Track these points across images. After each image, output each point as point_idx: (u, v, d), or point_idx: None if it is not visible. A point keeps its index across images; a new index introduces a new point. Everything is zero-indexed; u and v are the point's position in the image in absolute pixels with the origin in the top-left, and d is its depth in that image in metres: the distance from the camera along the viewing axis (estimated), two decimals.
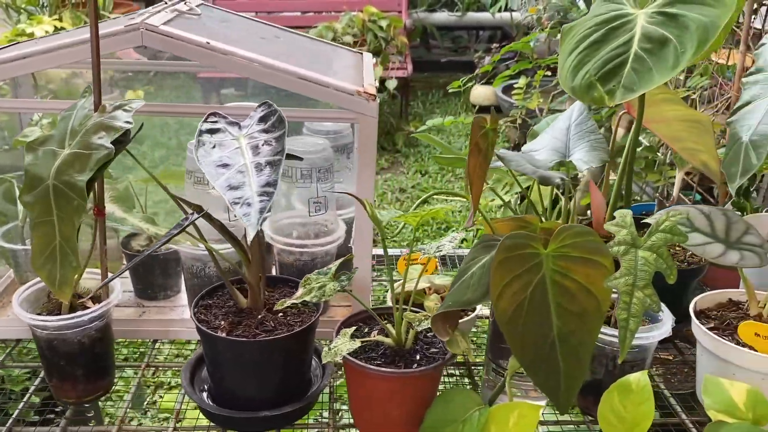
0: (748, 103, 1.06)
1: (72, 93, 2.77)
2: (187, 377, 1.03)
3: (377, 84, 4.88)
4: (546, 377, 0.91)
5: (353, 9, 4.98)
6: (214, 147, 0.80)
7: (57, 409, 1.10)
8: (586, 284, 0.91)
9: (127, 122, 0.85)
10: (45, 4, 5.11)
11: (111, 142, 0.83)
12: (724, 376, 0.99)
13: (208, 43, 1.00)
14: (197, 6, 1.21)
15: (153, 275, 1.27)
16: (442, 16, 6.10)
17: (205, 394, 1.01)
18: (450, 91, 2.57)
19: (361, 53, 1.32)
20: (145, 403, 1.87)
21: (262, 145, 0.81)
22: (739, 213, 1.39)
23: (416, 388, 0.95)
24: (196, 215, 0.87)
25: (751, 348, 0.97)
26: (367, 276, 1.16)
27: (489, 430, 0.89)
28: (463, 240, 3.01)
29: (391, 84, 4.69)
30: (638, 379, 0.91)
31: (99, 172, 0.84)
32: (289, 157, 1.10)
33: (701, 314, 1.08)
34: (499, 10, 5.44)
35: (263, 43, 1.19)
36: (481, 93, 5.12)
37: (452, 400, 0.92)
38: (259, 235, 0.99)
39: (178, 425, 1.02)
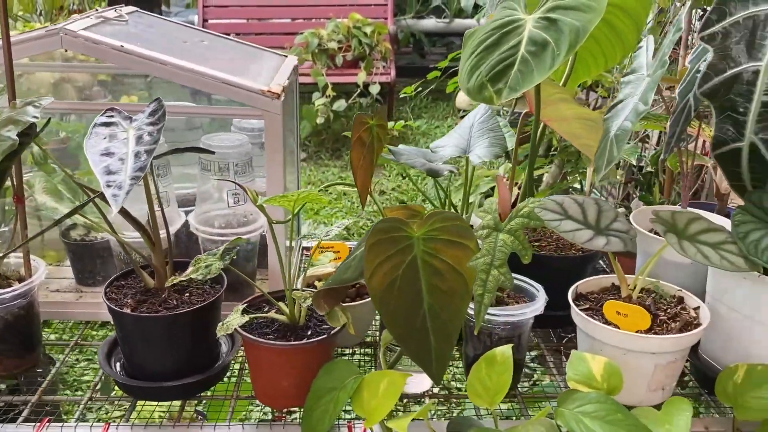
0: (620, 102, 1.15)
1: (62, 96, 2.88)
2: (104, 352, 1.12)
3: (362, 88, 4.95)
4: (417, 349, 1.00)
5: (339, 16, 5.09)
6: (105, 138, 0.89)
7: None
8: (454, 264, 1.00)
9: (35, 117, 0.95)
10: (41, 12, 5.25)
11: (18, 135, 0.92)
12: (593, 352, 1.08)
13: (122, 46, 1.10)
14: (128, 13, 1.31)
15: (90, 263, 1.37)
16: (430, 23, 6.21)
17: (119, 368, 1.11)
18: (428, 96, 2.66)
19: (286, 56, 1.42)
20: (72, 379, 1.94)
21: (146, 135, 0.90)
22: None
23: (303, 360, 1.04)
24: (90, 198, 0.97)
25: (615, 326, 1.06)
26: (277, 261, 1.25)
27: (362, 394, 0.98)
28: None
29: (374, 89, 4.79)
30: (503, 351, 1.00)
31: (8, 162, 0.94)
32: (201, 150, 1.20)
33: (582, 297, 1.16)
34: (483, 17, 5.52)
35: (185, 47, 1.29)
36: (465, 98, 5.21)
37: (333, 370, 1.01)
38: (165, 222, 1.09)
39: (94, 396, 1.12)
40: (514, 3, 1.26)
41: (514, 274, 1.19)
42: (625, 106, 1.12)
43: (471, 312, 1.08)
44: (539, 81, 1.12)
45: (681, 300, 1.14)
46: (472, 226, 1.08)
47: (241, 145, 1.27)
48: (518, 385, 1.18)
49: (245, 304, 1.07)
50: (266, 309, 1.11)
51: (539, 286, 1.14)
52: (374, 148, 1.06)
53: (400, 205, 1.12)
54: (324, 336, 1.03)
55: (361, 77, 4.81)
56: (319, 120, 4.72)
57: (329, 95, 4.72)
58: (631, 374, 1.05)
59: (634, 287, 1.12)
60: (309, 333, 1.06)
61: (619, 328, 1.05)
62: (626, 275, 1.13)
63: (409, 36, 6.29)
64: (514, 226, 0.99)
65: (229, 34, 6.10)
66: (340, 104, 4.73)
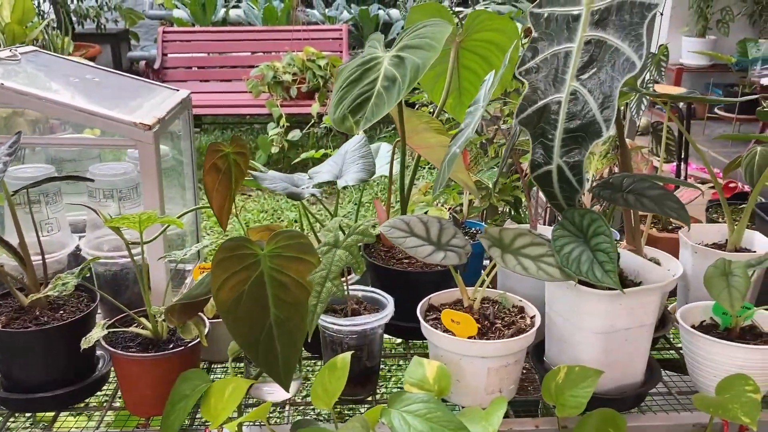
0: (461, 130, 1.27)
1: (11, 129, 2.97)
2: None
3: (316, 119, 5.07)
4: (266, 358, 1.09)
5: (295, 50, 5.24)
6: None
7: None
8: (298, 278, 1.10)
9: None
10: (1, 44, 5.34)
11: None
12: (437, 357, 1.18)
13: (2, 84, 1.20)
14: (26, 53, 1.41)
15: None
16: None
17: None
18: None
19: (178, 90, 1.52)
20: None
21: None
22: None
23: (163, 371, 1.12)
24: None
25: (452, 333, 1.16)
26: (162, 281, 1.34)
27: (209, 400, 1.06)
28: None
29: (328, 119, 4.91)
30: (343, 358, 1.09)
31: None
32: (78, 178, 1.29)
33: (434, 309, 1.26)
34: None
35: (72, 84, 1.39)
36: None
37: (188, 379, 1.10)
38: (40, 245, 1.18)
39: None
40: (375, 42, 1.38)
41: (369, 288, 1.29)
42: (463, 134, 1.24)
43: (326, 321, 1.18)
44: (388, 111, 1.24)
45: (522, 309, 1.24)
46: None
47: (126, 173, 1.37)
48: (378, 391, 1.27)
49: (113, 320, 1.16)
50: (136, 325, 1.19)
51: (390, 298, 1.24)
52: (232, 174, 1.16)
53: (263, 225, 1.22)
54: (181, 348, 1.12)
55: (314, 108, 4.93)
56: (274, 149, 4.83)
57: (284, 125, 4.84)
58: (467, 378, 1.15)
59: (474, 298, 1.22)
60: (171, 346, 1.15)
61: (454, 335, 1.15)
62: (469, 288, 1.23)
63: None
64: (350, 242, 1.09)
65: (190, 67, 6.19)
66: (295, 134, 4.85)
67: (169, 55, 5.54)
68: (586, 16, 1.06)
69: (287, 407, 1.23)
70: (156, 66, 5.35)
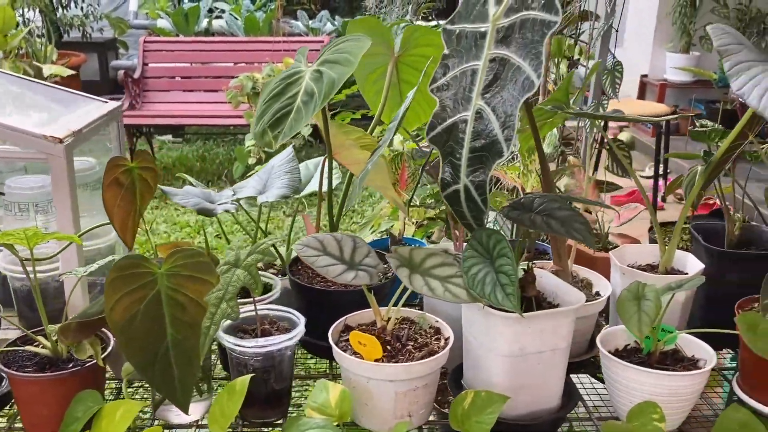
0: (378, 147, 1.24)
1: None
2: None
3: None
4: (162, 380, 1.06)
5: (274, 61, 5.23)
6: None
7: None
8: (196, 298, 1.07)
9: None
10: None
11: None
12: (347, 380, 1.15)
13: None
14: None
15: None
16: None
17: None
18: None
19: (107, 102, 1.50)
20: None
21: None
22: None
23: (61, 391, 1.09)
24: None
25: (360, 356, 1.12)
26: (79, 299, 1.31)
27: (101, 423, 1.03)
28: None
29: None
30: (242, 381, 1.06)
31: None
32: None
33: (350, 329, 1.23)
34: None
35: None
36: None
37: (81, 400, 1.07)
38: None
39: None
40: (300, 56, 1.36)
41: (284, 308, 1.26)
42: (377, 151, 1.21)
43: (230, 343, 1.14)
44: (304, 124, 1.22)
45: (438, 330, 1.22)
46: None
47: (44, 187, 1.34)
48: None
49: (16, 339, 1.13)
50: (36, 344, 1.16)
51: (302, 318, 1.21)
52: (136, 190, 1.13)
53: (171, 243, 1.19)
54: (78, 368, 1.09)
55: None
56: (251, 160, 4.81)
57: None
58: (375, 401, 1.12)
59: (387, 319, 1.19)
60: (71, 365, 1.11)
61: (362, 357, 1.12)
62: (383, 308, 1.20)
63: None
64: (250, 261, 1.06)
65: (173, 77, 6.20)
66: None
67: (150, 65, 5.53)
68: (492, 33, 1.04)
69: (194, 429, 1.19)
70: (136, 75, 5.34)
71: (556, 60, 2.34)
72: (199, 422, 1.20)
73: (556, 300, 1.21)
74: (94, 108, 1.45)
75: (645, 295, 1.11)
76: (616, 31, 2.15)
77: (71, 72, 5.60)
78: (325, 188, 1.45)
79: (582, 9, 2.27)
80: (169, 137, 6.30)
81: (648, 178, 4.70)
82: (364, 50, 1.25)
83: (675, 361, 1.20)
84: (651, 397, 1.11)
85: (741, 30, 6.06)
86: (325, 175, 1.43)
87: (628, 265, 1.43)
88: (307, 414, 1.06)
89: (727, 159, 1.29)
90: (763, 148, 1.28)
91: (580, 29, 2.33)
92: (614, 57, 2.23)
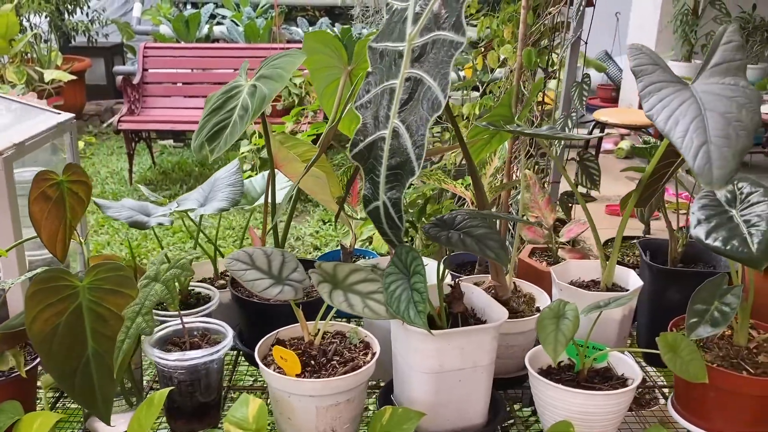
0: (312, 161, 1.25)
1: None
2: None
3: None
4: (82, 392, 1.08)
5: None
6: None
7: None
8: (117, 311, 1.08)
9: None
10: None
11: None
12: (272, 395, 1.15)
13: None
14: None
15: None
16: None
17: None
18: None
19: (60, 113, 1.52)
20: None
21: None
22: None
23: None
24: None
25: (282, 371, 1.13)
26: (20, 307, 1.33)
27: None
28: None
29: (305, 135, 4.92)
30: (160, 394, 1.07)
31: None
32: None
33: (281, 343, 1.24)
34: None
35: None
36: None
37: (3, 411, 1.08)
38: None
39: None
40: (242, 70, 1.38)
41: (216, 321, 1.27)
42: (310, 164, 1.22)
43: (154, 356, 1.15)
44: (237, 138, 1.23)
45: (367, 345, 1.22)
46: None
47: None
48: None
49: None
50: None
51: (230, 332, 1.22)
52: (65, 203, 1.15)
53: (103, 254, 1.21)
54: (2, 378, 1.11)
55: (288, 125, 4.94)
56: (246, 166, 4.83)
57: (256, 143, 4.85)
58: (297, 416, 1.13)
59: (315, 334, 1.20)
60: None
61: (284, 372, 1.13)
62: (310, 322, 1.21)
63: None
64: (168, 276, 1.07)
65: (175, 83, 6.23)
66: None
67: (150, 71, 5.58)
68: (408, 52, 1.05)
69: None
70: (135, 81, 5.39)
71: (529, 72, 2.33)
72: None
73: (485, 316, 1.21)
74: (43, 120, 1.47)
75: (565, 313, 1.10)
76: (585, 43, 2.15)
77: (72, 77, 5.67)
78: (273, 200, 1.47)
79: (556, 21, 2.27)
80: (170, 142, 6.35)
81: None
82: (297, 66, 1.26)
83: (604, 379, 1.19)
84: (572, 415, 1.11)
85: (744, 38, 6.01)
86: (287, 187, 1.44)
87: (571, 281, 1.43)
88: (225, 428, 1.07)
89: (662, 177, 1.28)
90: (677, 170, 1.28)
91: (553, 42, 2.33)
92: (584, 69, 2.22)
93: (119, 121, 5.06)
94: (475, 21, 2.70)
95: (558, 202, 2.31)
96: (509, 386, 1.36)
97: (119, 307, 1.07)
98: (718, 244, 0.99)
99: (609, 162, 5.66)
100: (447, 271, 1.21)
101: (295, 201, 1.49)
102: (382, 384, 1.33)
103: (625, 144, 6.15)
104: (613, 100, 6.94)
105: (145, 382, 1.32)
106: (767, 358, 1.16)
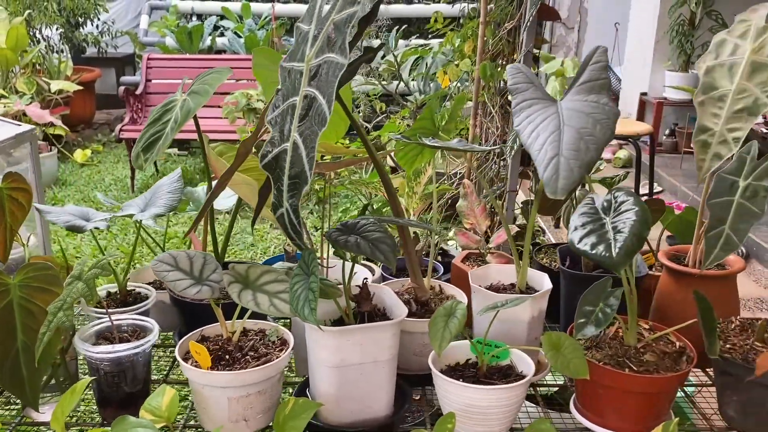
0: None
1: None
2: None
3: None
4: (11, 381, 1.19)
5: None
6: None
7: None
8: (45, 307, 1.18)
9: None
10: None
11: None
12: (193, 388, 1.25)
13: None
14: None
15: None
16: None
17: None
18: None
19: (21, 125, 1.64)
20: None
21: None
22: None
23: None
24: None
25: (198, 364, 1.23)
26: None
27: None
28: None
29: None
30: (82, 383, 1.17)
31: None
32: None
33: (206, 340, 1.33)
34: (413, 79, 5.80)
35: None
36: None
37: None
38: None
39: None
40: (180, 86, 1.48)
41: (145, 318, 1.37)
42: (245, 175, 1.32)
43: (81, 348, 1.25)
44: (165, 149, 1.33)
45: (284, 342, 1.31)
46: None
47: None
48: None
49: None
50: None
51: (156, 328, 1.32)
52: (5, 209, 1.26)
53: (40, 256, 1.32)
54: None
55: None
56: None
57: (253, 151, 4.97)
58: (210, 406, 1.22)
59: (234, 331, 1.29)
60: None
61: (200, 366, 1.22)
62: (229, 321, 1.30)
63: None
64: (89, 275, 1.18)
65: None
66: None
67: (154, 81, 5.74)
68: (306, 71, 1.14)
69: None
70: (138, 92, 5.54)
71: (493, 86, 2.42)
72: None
73: (392, 315, 1.30)
74: (4, 132, 1.58)
75: (455, 312, 1.19)
76: (537, 57, 2.23)
77: (78, 87, 5.85)
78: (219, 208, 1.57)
79: (513, 36, 2.35)
80: (175, 150, 6.50)
81: (642, 195, 4.70)
82: (222, 81, 1.36)
83: (504, 375, 1.27)
84: (465, 408, 1.19)
85: None
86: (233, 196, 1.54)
87: (491, 284, 1.51)
88: (141, 414, 1.17)
89: None
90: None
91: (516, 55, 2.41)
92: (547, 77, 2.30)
93: (121, 130, 5.21)
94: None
95: (521, 210, 2.39)
96: (429, 382, 1.44)
97: (47, 303, 1.17)
98: (586, 248, 1.07)
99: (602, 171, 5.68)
100: (356, 272, 1.30)
101: (237, 208, 1.59)
102: None
103: (622, 153, 6.20)
104: None
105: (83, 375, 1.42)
106: (653, 357, 1.23)
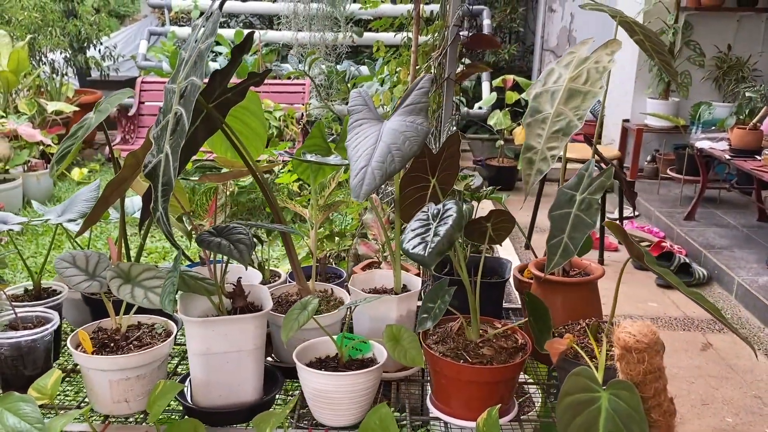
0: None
1: None
2: None
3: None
4: None
5: None
6: None
7: None
8: None
9: None
10: None
11: None
12: (83, 373, 1.40)
13: None
14: None
15: None
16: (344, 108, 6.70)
17: None
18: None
19: None
20: None
21: None
22: None
23: None
24: None
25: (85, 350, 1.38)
26: None
27: None
28: None
29: (277, 168, 5.22)
30: (50, 379, 1.32)
31: None
32: None
33: (103, 330, 1.49)
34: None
35: None
36: None
37: None
38: None
39: None
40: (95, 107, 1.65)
41: (47, 310, 1.53)
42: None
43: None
44: (72, 159, 1.50)
45: (168, 333, 1.46)
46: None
47: None
48: None
49: None
50: None
51: (56, 319, 1.47)
52: None
53: None
54: None
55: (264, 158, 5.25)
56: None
57: None
58: (95, 387, 1.37)
59: (121, 324, 1.45)
60: None
61: (86, 352, 1.38)
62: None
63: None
64: None
65: None
66: (246, 180, 5.16)
67: (146, 103, 5.98)
68: (177, 92, 1.31)
69: None
70: (131, 113, 5.78)
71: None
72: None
73: (265, 308, 1.45)
74: None
75: (307, 307, 1.34)
76: (436, 75, 2.39)
77: (75, 108, 6.09)
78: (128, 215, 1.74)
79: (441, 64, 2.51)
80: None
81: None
82: (122, 101, 1.53)
83: (362, 366, 1.41)
84: (318, 393, 1.33)
85: (720, 77, 6.15)
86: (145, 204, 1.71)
87: (375, 287, 1.66)
88: (29, 392, 1.32)
89: (420, 200, 1.51)
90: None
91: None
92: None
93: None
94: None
95: None
96: None
97: None
98: (409, 248, 1.22)
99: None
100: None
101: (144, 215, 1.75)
102: None
103: None
104: (599, 135, 7.10)
105: None
106: (490, 351, 1.37)
